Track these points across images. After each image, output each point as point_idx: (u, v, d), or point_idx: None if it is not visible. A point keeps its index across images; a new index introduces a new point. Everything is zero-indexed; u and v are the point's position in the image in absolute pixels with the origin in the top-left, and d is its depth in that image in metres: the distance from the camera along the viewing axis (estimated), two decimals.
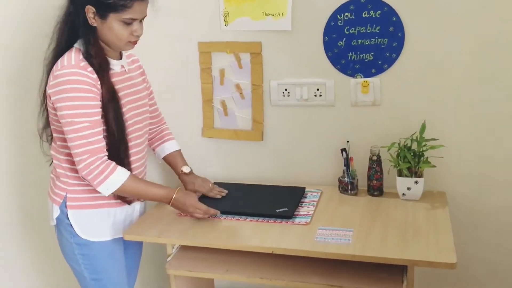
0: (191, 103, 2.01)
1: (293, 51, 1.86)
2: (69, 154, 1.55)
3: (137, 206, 1.73)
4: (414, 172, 1.72)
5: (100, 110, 1.50)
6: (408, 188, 1.73)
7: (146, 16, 1.54)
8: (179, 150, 1.87)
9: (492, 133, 1.77)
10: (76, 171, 1.53)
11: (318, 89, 1.88)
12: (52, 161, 1.67)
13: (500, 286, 1.89)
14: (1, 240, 2.32)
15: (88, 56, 1.49)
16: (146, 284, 2.27)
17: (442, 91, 1.77)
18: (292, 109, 1.93)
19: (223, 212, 1.69)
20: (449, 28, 1.72)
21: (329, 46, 1.82)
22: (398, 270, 1.48)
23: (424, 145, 1.71)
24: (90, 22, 1.49)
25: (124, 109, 1.58)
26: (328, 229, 1.56)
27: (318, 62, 1.85)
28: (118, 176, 1.52)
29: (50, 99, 1.51)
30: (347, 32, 1.80)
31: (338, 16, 1.79)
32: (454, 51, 1.73)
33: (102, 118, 1.51)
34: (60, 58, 1.50)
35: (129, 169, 1.59)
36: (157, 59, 1.99)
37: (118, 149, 1.56)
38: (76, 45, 1.53)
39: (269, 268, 1.57)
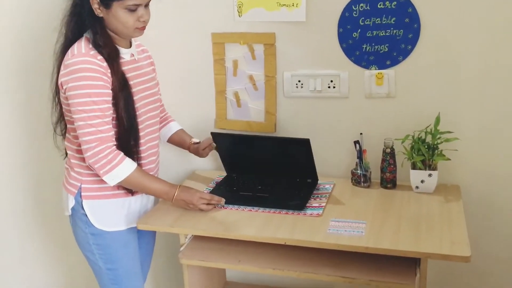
0: (204, 94, 2.01)
1: (307, 42, 1.85)
2: (73, 137, 1.58)
3: (151, 196, 1.74)
4: (428, 165, 1.71)
5: (111, 98, 1.51)
6: (422, 181, 1.72)
7: (150, 0, 1.54)
8: (183, 129, 1.92)
9: (508, 126, 1.75)
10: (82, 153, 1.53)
11: (331, 81, 1.87)
12: (66, 153, 1.68)
13: None
14: (17, 231, 2.35)
15: (97, 46, 1.50)
16: (159, 274, 2.30)
17: (458, 84, 1.75)
18: (306, 101, 1.92)
19: (235, 203, 1.70)
20: (465, 20, 1.69)
21: (343, 38, 1.81)
22: (411, 262, 1.48)
23: (439, 138, 1.70)
24: (96, 13, 1.49)
25: (135, 98, 1.58)
26: (341, 221, 1.56)
27: (332, 53, 1.84)
28: (125, 167, 1.52)
29: (63, 88, 1.51)
30: (362, 23, 1.78)
31: (353, 7, 1.77)
32: (470, 43, 1.71)
33: (113, 106, 1.52)
34: (70, 48, 1.51)
35: (139, 159, 1.61)
36: (171, 50, 1.99)
37: (128, 139, 1.56)
38: (86, 35, 1.53)
39: (281, 259, 1.57)
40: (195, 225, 1.60)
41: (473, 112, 1.77)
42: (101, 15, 1.50)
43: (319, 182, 1.84)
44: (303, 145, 1.73)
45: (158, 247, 1.97)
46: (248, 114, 1.99)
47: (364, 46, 1.80)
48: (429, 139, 1.72)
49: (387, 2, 1.74)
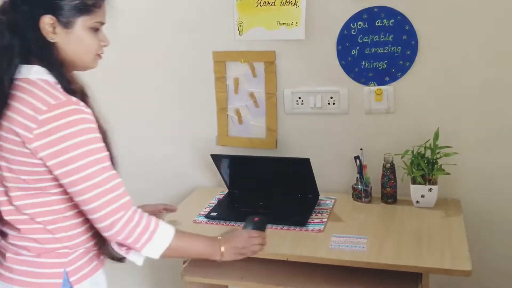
0: (205, 111, 2.04)
1: (306, 60, 1.88)
2: (57, 212, 1.15)
3: None
4: (428, 179, 1.72)
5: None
6: (422, 196, 1.73)
7: None
8: None
9: (506, 140, 1.77)
10: (63, 230, 1.15)
11: (331, 97, 1.89)
12: (5, 236, 1.18)
13: None
14: None
15: (66, 86, 1.11)
16: None
17: (456, 99, 1.78)
18: (306, 117, 1.94)
19: (237, 220, 1.71)
20: (462, 36, 1.72)
21: (342, 55, 1.84)
22: (413, 278, 1.48)
23: (438, 153, 1.72)
24: (48, 38, 1.10)
25: None
26: (342, 236, 1.57)
27: (332, 70, 1.87)
28: (165, 229, 1.18)
29: (36, 155, 1.07)
30: (360, 41, 1.81)
31: (351, 25, 1.81)
32: (467, 59, 1.74)
33: None
34: (30, 98, 1.07)
35: None
36: (172, 68, 2.02)
37: None
38: (33, 77, 1.10)
39: (283, 275, 1.58)
40: None
41: (472, 127, 1.79)
42: (54, 39, 1.11)
43: (320, 197, 1.86)
44: (303, 164, 1.75)
45: (160, 264, 1.98)
46: (250, 131, 2.02)
47: (363, 63, 1.83)
48: (428, 154, 1.74)
49: (385, 20, 1.77)
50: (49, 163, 1.07)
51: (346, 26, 1.81)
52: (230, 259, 1.31)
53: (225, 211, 1.82)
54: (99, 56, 1.19)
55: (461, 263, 1.39)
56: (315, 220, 1.69)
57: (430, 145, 1.74)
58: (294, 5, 1.84)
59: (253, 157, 1.96)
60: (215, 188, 2.06)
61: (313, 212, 1.75)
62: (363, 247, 1.49)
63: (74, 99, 1.10)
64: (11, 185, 1.12)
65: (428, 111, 1.81)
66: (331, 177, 1.94)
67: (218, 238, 1.31)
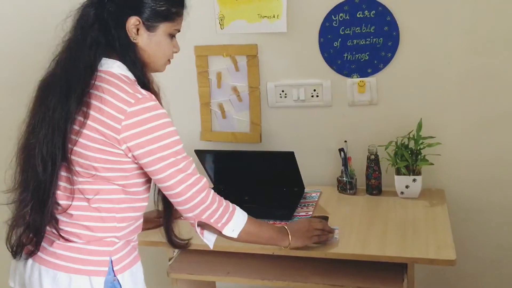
0: (188, 106, 2.02)
1: (289, 53, 1.87)
2: (115, 201, 1.17)
3: None
4: (412, 170, 1.73)
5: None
6: (407, 186, 1.74)
7: None
8: None
9: (489, 130, 1.78)
10: (115, 220, 1.18)
11: (315, 90, 1.89)
12: (57, 227, 1.17)
13: (500, 282, 1.90)
14: None
15: (146, 84, 1.18)
16: None
17: (438, 89, 1.78)
18: (290, 110, 1.93)
19: None
20: (444, 27, 1.73)
21: (324, 47, 1.83)
22: (398, 268, 1.49)
23: (421, 143, 1.72)
24: (131, 38, 1.15)
25: None
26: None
27: (314, 63, 1.86)
28: (240, 212, 1.27)
29: (123, 143, 1.11)
30: (342, 33, 1.81)
31: (333, 17, 1.80)
32: (449, 49, 1.74)
33: None
34: (116, 90, 1.11)
35: None
36: None
37: None
38: (116, 71, 1.15)
39: (270, 269, 1.57)
40: None
41: (454, 117, 1.80)
42: (136, 40, 1.16)
43: (305, 190, 1.85)
44: (288, 157, 1.75)
45: (145, 261, 1.95)
46: (233, 125, 2.00)
47: (345, 55, 1.82)
48: (412, 144, 1.75)
49: (366, 11, 1.77)
50: (136, 153, 1.12)
51: (328, 18, 1.80)
52: (298, 244, 1.39)
53: None
54: (169, 61, 1.26)
55: (446, 252, 1.40)
56: (301, 214, 1.69)
57: (414, 136, 1.74)
58: None
59: (237, 151, 1.95)
60: None
61: (299, 206, 1.75)
62: (336, 238, 1.49)
63: (152, 95, 1.16)
64: (80, 170, 1.14)
65: (411, 102, 1.81)
66: (316, 170, 1.94)
67: (284, 227, 1.39)
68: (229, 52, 1.92)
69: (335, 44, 1.82)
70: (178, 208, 1.20)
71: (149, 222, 1.53)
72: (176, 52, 1.27)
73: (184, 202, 1.18)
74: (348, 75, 1.84)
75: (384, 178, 1.81)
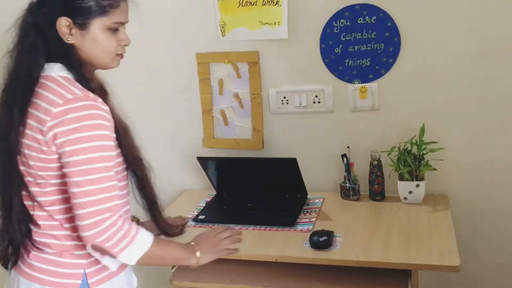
0: (191, 113, 2.02)
1: (290, 59, 1.88)
2: (66, 210, 1.15)
3: None
4: (415, 175, 1.72)
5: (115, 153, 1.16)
6: (410, 192, 1.73)
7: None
8: None
9: (491, 134, 1.78)
10: (77, 229, 1.12)
11: (316, 96, 1.89)
12: (28, 232, 1.17)
13: (506, 287, 1.88)
14: None
15: (85, 83, 1.14)
16: None
17: (440, 94, 1.78)
18: (292, 117, 1.93)
19: (226, 222, 1.70)
20: (444, 32, 1.73)
21: (326, 53, 1.84)
22: (402, 274, 1.48)
23: (424, 148, 1.72)
24: (65, 39, 1.13)
25: None
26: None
27: (316, 69, 1.86)
28: (144, 238, 1.15)
29: (52, 143, 1.09)
30: (343, 39, 1.81)
31: (334, 23, 1.80)
32: (450, 54, 1.74)
33: (120, 158, 1.19)
34: (48, 94, 1.10)
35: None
36: (155, 71, 2.00)
37: (147, 189, 1.27)
38: (55, 74, 1.13)
39: (273, 276, 1.57)
40: None
41: (456, 122, 1.79)
42: (71, 41, 1.13)
43: (308, 197, 1.85)
44: (290, 164, 1.75)
45: (148, 270, 1.96)
46: (235, 132, 2.00)
47: (347, 61, 1.83)
48: (414, 150, 1.74)
49: (367, 17, 1.77)
50: (59, 151, 1.09)
51: (329, 24, 1.80)
52: (208, 259, 1.30)
53: (213, 213, 1.81)
54: (120, 55, 1.20)
55: (450, 258, 1.40)
56: (304, 220, 1.69)
57: (416, 141, 1.74)
58: (276, 4, 1.83)
59: (240, 158, 1.95)
60: (203, 190, 2.05)
61: (302, 212, 1.75)
62: (338, 246, 1.50)
63: (91, 95, 1.11)
64: (30, 179, 1.14)
65: (413, 107, 1.81)
66: (319, 176, 1.93)
67: (191, 244, 1.30)
68: (230, 59, 1.92)
69: (337, 50, 1.82)
70: (77, 222, 1.10)
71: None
72: (125, 45, 1.20)
73: (84, 217, 1.08)
74: (350, 81, 1.84)
75: (387, 184, 1.80)
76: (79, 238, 1.13)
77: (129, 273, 1.29)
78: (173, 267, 1.66)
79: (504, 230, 1.84)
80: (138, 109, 2.05)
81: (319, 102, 1.89)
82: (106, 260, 1.16)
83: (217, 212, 1.84)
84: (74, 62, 1.14)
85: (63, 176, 1.11)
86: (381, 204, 1.78)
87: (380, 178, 1.79)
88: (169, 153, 2.08)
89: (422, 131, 1.73)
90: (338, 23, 1.80)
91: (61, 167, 1.10)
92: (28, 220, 1.17)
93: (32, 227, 1.18)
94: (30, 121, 1.11)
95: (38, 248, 1.17)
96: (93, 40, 1.14)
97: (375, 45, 1.79)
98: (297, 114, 1.93)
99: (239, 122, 1.99)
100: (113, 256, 1.13)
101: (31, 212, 1.16)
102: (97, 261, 1.17)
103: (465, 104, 1.77)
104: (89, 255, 1.16)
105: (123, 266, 1.23)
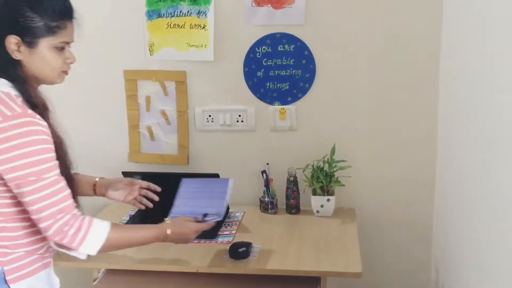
0: (117, 129, 2.06)
1: (216, 80, 1.99)
2: (4, 214, 1.21)
3: None
4: (326, 191, 1.89)
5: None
6: (322, 206, 1.90)
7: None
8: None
9: (394, 154, 1.99)
10: (4, 230, 1.22)
11: (240, 115, 2.01)
12: None
13: None
14: None
15: (28, 99, 1.20)
16: None
17: (350, 118, 1.98)
18: (216, 134, 2.04)
19: None
20: (354, 63, 1.93)
21: (249, 76, 1.97)
22: (313, 281, 1.62)
23: (334, 166, 1.90)
24: (13, 56, 1.19)
25: None
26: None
27: (240, 90, 1.99)
28: (99, 228, 1.25)
29: None
30: (265, 64, 1.96)
31: (256, 49, 1.94)
32: (358, 83, 1.94)
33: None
34: None
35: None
36: (83, 86, 2.02)
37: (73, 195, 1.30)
38: None
39: (193, 285, 1.63)
40: (109, 259, 1.62)
41: (364, 143, 2.00)
42: (19, 57, 1.20)
43: (230, 210, 1.96)
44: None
45: (69, 283, 1.95)
46: (161, 148, 2.07)
47: (268, 84, 1.97)
48: (326, 167, 1.92)
49: (286, 45, 1.93)
50: (0, 168, 1.15)
51: (252, 50, 1.95)
52: (172, 242, 1.44)
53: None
54: (65, 72, 1.28)
55: (353, 266, 1.56)
56: (225, 232, 1.79)
57: (328, 159, 1.91)
58: (202, 28, 1.94)
59: (164, 173, 2.01)
60: (126, 204, 2.07)
61: (223, 225, 1.85)
62: (255, 256, 1.62)
63: (29, 111, 1.17)
64: None
65: (326, 128, 1.99)
66: (240, 190, 2.04)
67: (167, 221, 1.44)
68: (158, 78, 2.00)
69: (259, 73, 1.97)
70: (37, 226, 1.21)
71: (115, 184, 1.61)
72: (71, 62, 1.28)
73: (41, 221, 1.18)
74: (271, 102, 1.99)
75: (302, 198, 1.96)
76: (2, 239, 1.20)
77: (49, 274, 1.33)
78: (94, 280, 1.68)
79: (404, 240, 2.05)
80: (64, 123, 2.06)
81: (242, 121, 2.02)
82: (73, 253, 1.25)
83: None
84: (19, 78, 1.20)
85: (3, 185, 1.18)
86: (296, 217, 1.93)
87: (295, 193, 1.94)
88: (95, 167, 2.08)
89: (333, 150, 1.91)
90: (260, 49, 1.94)
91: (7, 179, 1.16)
92: None
93: None
94: None
95: None
96: (41, 57, 1.21)
97: (293, 71, 1.95)
98: (221, 132, 2.04)
99: (165, 138, 2.06)
100: (74, 250, 1.23)
101: None
102: (16, 260, 1.23)
103: (372, 127, 1.98)
104: (8, 254, 1.22)
105: (44, 265, 1.29)
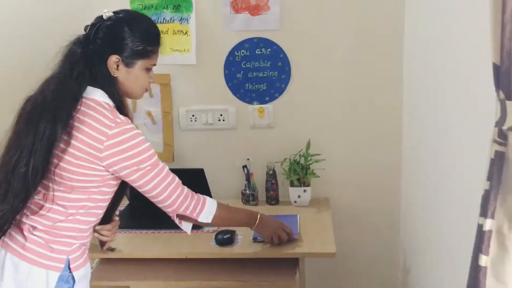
0: None
1: (198, 82, 2.13)
2: (71, 207, 1.33)
3: None
4: (302, 182, 2.05)
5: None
6: (299, 196, 2.06)
7: None
8: None
9: (363, 148, 2.16)
10: (79, 223, 1.35)
11: (221, 115, 2.16)
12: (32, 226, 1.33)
13: (373, 274, 2.28)
14: None
15: (123, 110, 1.37)
16: None
17: (324, 114, 2.14)
18: (200, 133, 2.18)
19: (139, 228, 1.88)
20: (326, 64, 2.09)
21: (229, 78, 2.12)
22: (292, 262, 1.78)
23: (310, 160, 2.06)
24: (112, 72, 1.34)
25: None
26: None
27: (221, 91, 2.13)
28: (210, 200, 1.52)
29: (104, 161, 1.30)
30: (244, 66, 2.11)
31: (235, 52, 2.10)
32: (332, 82, 2.11)
33: None
34: (97, 115, 1.30)
35: None
36: None
37: None
38: (99, 99, 1.34)
39: (184, 271, 1.77)
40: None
41: (337, 138, 2.16)
42: (116, 74, 1.35)
43: None
44: (198, 174, 1.97)
45: None
46: None
47: (247, 85, 2.13)
48: (302, 161, 2.08)
49: (263, 49, 2.09)
50: (116, 167, 1.32)
51: (231, 53, 2.10)
52: (258, 231, 1.68)
53: (127, 221, 1.96)
54: (146, 90, 1.44)
55: (328, 247, 1.73)
56: None
57: (304, 153, 2.08)
58: (185, 34, 2.08)
59: None
60: None
61: None
62: (239, 242, 1.76)
63: (127, 118, 1.35)
64: (60, 180, 1.30)
65: (301, 125, 2.15)
66: (223, 184, 2.18)
67: (260, 213, 1.66)
68: None
69: (238, 75, 2.12)
70: (159, 205, 1.44)
71: None
72: (152, 82, 1.46)
73: (164, 200, 1.41)
74: (250, 102, 2.14)
75: (280, 190, 2.11)
76: (72, 229, 1.34)
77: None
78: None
79: (375, 225, 2.22)
80: None
81: (223, 120, 2.16)
82: (183, 226, 1.52)
83: (131, 219, 1.99)
84: (116, 93, 1.37)
85: (95, 182, 1.32)
86: (276, 207, 2.09)
87: (274, 185, 2.10)
88: None
89: (308, 145, 2.08)
90: (239, 53, 2.10)
91: (100, 176, 1.32)
92: (31, 210, 1.32)
93: (33, 216, 1.32)
94: (76, 133, 1.28)
95: (32, 233, 1.31)
96: (135, 76, 1.38)
97: (270, 73, 2.11)
98: (204, 131, 2.18)
99: (151, 138, 2.19)
100: (193, 220, 1.50)
101: (42, 204, 1.32)
102: (77, 249, 1.36)
103: (344, 123, 2.14)
104: (72, 243, 1.35)
105: (88, 256, 1.43)
